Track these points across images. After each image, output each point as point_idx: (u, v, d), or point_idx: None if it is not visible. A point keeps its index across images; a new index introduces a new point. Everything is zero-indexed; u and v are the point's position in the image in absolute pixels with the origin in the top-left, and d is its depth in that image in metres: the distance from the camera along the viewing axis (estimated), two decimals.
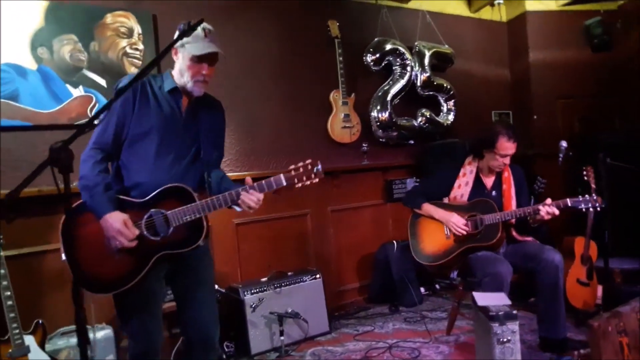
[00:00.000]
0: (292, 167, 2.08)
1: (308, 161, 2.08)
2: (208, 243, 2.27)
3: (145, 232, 1.99)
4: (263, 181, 2.07)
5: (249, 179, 2.08)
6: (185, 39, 2.04)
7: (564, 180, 5.16)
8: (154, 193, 2.03)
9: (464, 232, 3.21)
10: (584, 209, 3.12)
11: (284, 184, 2.06)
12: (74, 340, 2.82)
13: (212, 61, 2.11)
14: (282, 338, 3.44)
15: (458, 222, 3.23)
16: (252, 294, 3.49)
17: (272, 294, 3.56)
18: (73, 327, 2.93)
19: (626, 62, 5.68)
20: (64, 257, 1.97)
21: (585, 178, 3.35)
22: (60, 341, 2.81)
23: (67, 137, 3.21)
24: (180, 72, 2.10)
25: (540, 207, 3.05)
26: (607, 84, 5.72)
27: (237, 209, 2.10)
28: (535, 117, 5.72)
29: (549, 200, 3.06)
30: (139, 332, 2.09)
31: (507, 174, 3.40)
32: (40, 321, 2.58)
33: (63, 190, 1.44)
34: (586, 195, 3.10)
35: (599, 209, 3.10)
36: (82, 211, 1.98)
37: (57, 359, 2.58)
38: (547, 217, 3.04)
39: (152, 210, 2.02)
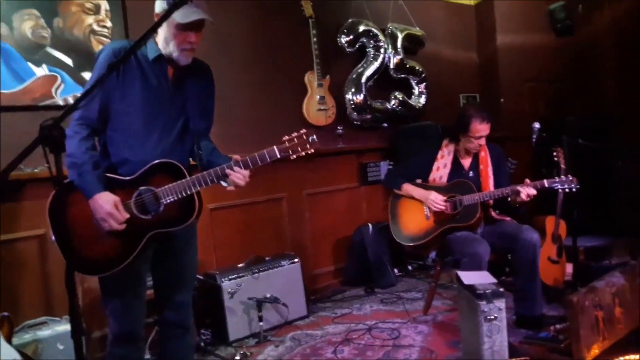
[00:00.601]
0: (286, 137, 1.99)
1: (303, 131, 2.01)
2: (196, 225, 2.20)
3: (135, 211, 1.92)
4: (256, 154, 1.98)
5: (236, 157, 1.99)
6: (167, 4, 1.95)
7: (532, 161, 5.28)
8: (142, 170, 1.95)
9: (443, 208, 3.25)
10: (560, 190, 3.19)
11: (278, 156, 1.97)
12: (41, 333, 2.70)
13: (199, 27, 1.98)
14: (261, 324, 3.39)
15: (436, 199, 3.27)
16: (229, 280, 3.41)
17: (250, 279, 3.50)
18: (40, 319, 2.82)
19: (588, 45, 5.85)
20: (53, 238, 1.90)
21: (556, 159, 3.45)
22: (27, 335, 2.66)
23: (33, 118, 3.05)
24: (165, 40, 1.98)
25: (520, 188, 3.08)
26: (571, 67, 5.90)
27: (224, 184, 2.03)
28: (502, 100, 5.83)
29: (527, 181, 3.10)
30: (123, 312, 2.03)
31: (484, 154, 3.45)
32: (6, 314, 2.44)
33: (55, 172, 1.33)
34: (562, 177, 3.15)
35: (574, 189, 3.15)
36: (70, 190, 1.90)
37: (25, 353, 2.44)
38: (526, 199, 3.08)
39: (142, 188, 1.94)
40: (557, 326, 3.07)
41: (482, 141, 3.33)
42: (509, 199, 3.21)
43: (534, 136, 3.68)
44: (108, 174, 1.95)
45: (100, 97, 1.93)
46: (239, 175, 1.96)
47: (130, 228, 1.91)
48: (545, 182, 3.11)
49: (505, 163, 3.56)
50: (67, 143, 1.85)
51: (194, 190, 1.95)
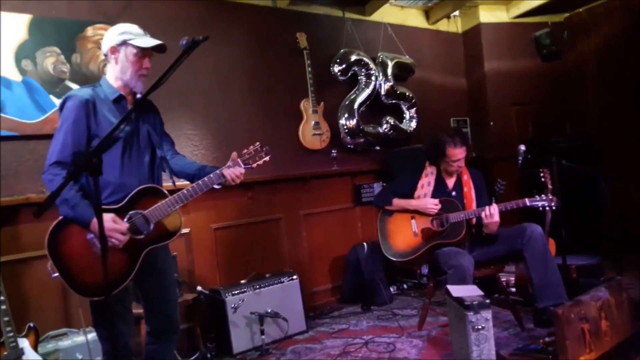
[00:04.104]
0: (245, 151, 2.35)
1: (257, 144, 2.38)
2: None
3: (128, 234, 2.12)
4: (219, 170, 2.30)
5: (234, 154, 2.32)
6: (126, 36, 2.18)
7: (521, 182, 5.47)
8: (128, 197, 2.16)
9: (437, 209, 3.43)
10: (540, 208, 3.33)
11: (241, 165, 2.32)
12: (61, 343, 2.91)
13: (151, 55, 2.25)
14: (263, 337, 3.55)
15: (431, 203, 3.46)
16: (233, 295, 3.60)
17: (252, 295, 3.68)
18: (61, 330, 3.03)
19: (573, 70, 6.09)
20: (54, 274, 2.05)
21: (542, 179, 3.60)
22: (49, 345, 2.86)
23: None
24: (122, 70, 2.20)
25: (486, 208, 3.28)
26: (557, 91, 6.08)
27: (217, 186, 2.29)
28: (491, 123, 6.00)
29: (494, 204, 3.29)
30: (120, 330, 2.18)
31: (467, 177, 3.64)
32: (32, 324, 2.64)
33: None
34: (542, 195, 3.32)
35: (554, 207, 3.32)
36: (64, 226, 2.07)
37: None
38: (486, 220, 3.27)
39: (131, 212, 2.14)
40: (547, 339, 3.14)
41: (461, 163, 3.54)
42: (483, 228, 3.37)
43: (520, 158, 3.82)
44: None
45: (72, 140, 2.11)
46: (236, 172, 2.27)
47: (126, 249, 2.10)
48: (527, 201, 3.29)
49: (485, 189, 3.71)
50: (50, 186, 2.05)
51: (178, 206, 2.19)
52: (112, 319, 2.13)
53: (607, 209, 4.95)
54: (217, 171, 2.26)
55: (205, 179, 2.24)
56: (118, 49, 2.19)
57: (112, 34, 2.21)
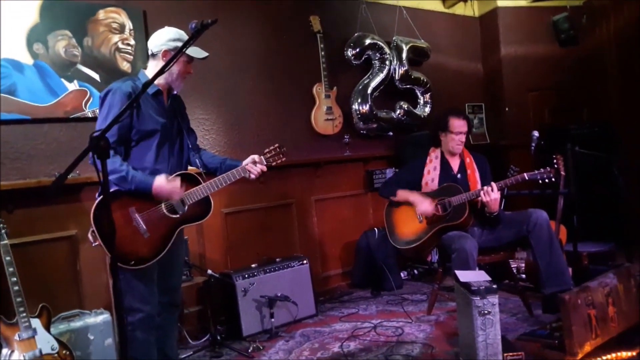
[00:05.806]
0: (267, 150, 2.65)
1: (277, 145, 2.68)
2: None
3: (166, 212, 2.39)
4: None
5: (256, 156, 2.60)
6: (180, 44, 2.32)
7: (534, 169, 5.40)
8: None
9: (430, 213, 3.47)
10: (540, 181, 3.34)
11: (264, 163, 2.61)
12: (74, 324, 2.96)
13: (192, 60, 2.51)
14: (272, 320, 3.60)
15: (427, 209, 3.50)
16: (243, 278, 3.63)
17: (262, 278, 3.71)
18: (74, 311, 3.09)
19: (592, 55, 5.97)
20: (94, 243, 2.24)
21: (556, 166, 3.59)
22: (62, 325, 2.91)
23: (65, 129, 3.36)
24: (170, 72, 2.37)
25: (484, 187, 3.32)
26: (575, 77, 5.98)
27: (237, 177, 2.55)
28: (507, 109, 5.94)
29: (492, 184, 3.31)
30: (149, 298, 2.40)
31: (469, 160, 3.66)
32: (45, 305, 2.70)
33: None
34: (541, 169, 3.33)
35: (553, 179, 3.34)
36: (111, 199, 2.19)
37: (62, 341, 2.69)
38: (485, 198, 3.29)
39: None
40: (554, 324, 3.14)
41: (462, 137, 3.58)
42: (485, 208, 3.38)
43: (533, 144, 3.81)
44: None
45: (118, 127, 2.29)
46: (257, 169, 2.56)
47: (163, 226, 2.37)
48: (526, 175, 3.31)
49: (490, 172, 3.71)
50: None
51: (213, 191, 2.43)
52: (151, 279, 2.40)
53: (622, 196, 4.89)
54: (241, 166, 2.54)
55: (234, 171, 2.50)
56: (171, 53, 2.37)
57: (164, 38, 2.42)
